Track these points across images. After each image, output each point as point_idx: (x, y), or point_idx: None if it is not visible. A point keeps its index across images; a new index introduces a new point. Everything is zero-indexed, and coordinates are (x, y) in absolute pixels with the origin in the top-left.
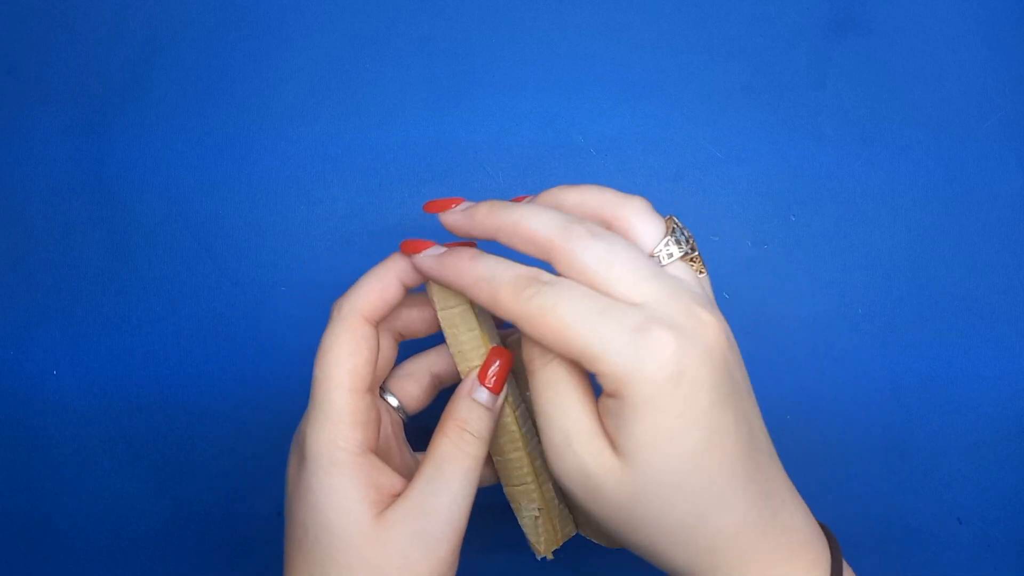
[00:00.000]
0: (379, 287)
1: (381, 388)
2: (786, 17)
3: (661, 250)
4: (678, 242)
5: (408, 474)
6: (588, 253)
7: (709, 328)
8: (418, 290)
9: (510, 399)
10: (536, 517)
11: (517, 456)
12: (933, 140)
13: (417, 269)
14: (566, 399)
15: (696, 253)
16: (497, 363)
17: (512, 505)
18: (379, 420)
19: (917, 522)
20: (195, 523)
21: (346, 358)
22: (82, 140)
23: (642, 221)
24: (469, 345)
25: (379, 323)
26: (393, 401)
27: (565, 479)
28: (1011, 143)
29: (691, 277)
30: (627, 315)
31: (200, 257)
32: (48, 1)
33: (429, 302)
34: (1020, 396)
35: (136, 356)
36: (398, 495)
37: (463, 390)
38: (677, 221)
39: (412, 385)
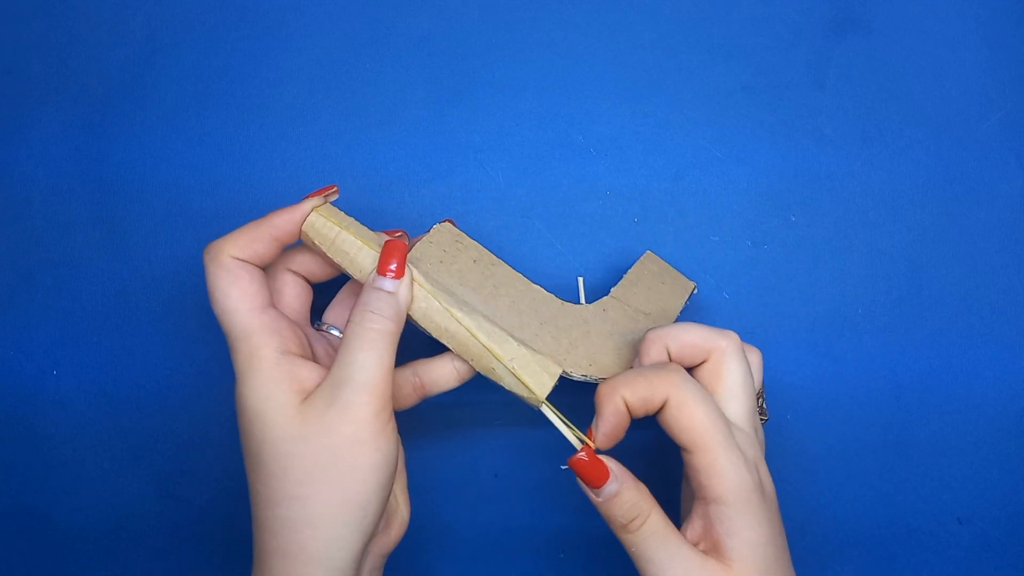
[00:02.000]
0: (247, 237)
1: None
2: (786, 17)
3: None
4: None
5: None
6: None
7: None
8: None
9: (426, 286)
10: (511, 371)
11: (456, 328)
12: (933, 140)
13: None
14: (673, 545)
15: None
16: (393, 254)
17: (493, 379)
18: (293, 331)
19: (917, 522)
20: (195, 523)
21: (232, 287)
22: (82, 140)
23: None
24: (366, 260)
25: (259, 264)
26: (335, 332)
27: None
28: (1011, 143)
29: None
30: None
31: (200, 257)
32: (48, 1)
33: (315, 252)
34: (1020, 396)
35: (136, 356)
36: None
37: (366, 284)
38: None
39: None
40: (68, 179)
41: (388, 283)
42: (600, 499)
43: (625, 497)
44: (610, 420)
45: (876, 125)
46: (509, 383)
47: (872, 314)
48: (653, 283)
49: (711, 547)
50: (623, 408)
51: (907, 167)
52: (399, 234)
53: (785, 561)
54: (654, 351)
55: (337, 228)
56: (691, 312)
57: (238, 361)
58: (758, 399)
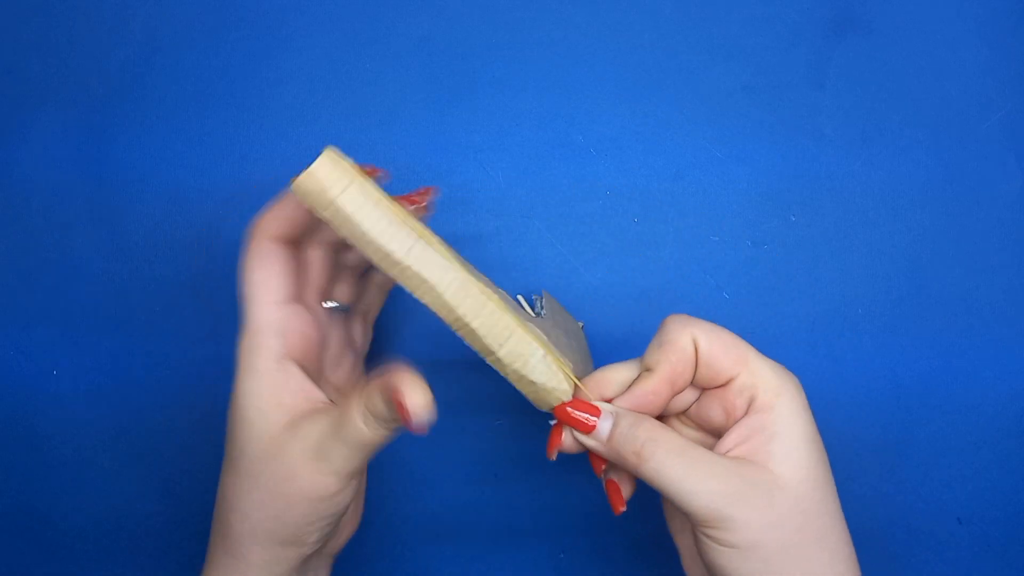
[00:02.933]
0: (286, 210)
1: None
2: (786, 17)
3: None
4: None
5: (341, 380)
6: None
7: None
8: None
9: (457, 260)
10: (544, 355)
11: (490, 310)
12: (933, 140)
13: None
14: (697, 454)
15: None
16: (405, 409)
17: (508, 372)
18: (306, 330)
19: (917, 522)
20: (195, 523)
21: (256, 273)
22: (82, 140)
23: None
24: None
25: (296, 241)
26: (331, 304)
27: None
28: (1011, 143)
29: None
30: None
31: (200, 257)
32: (48, 1)
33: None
34: (1020, 396)
35: (136, 356)
36: (314, 408)
37: (391, 382)
38: None
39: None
40: (68, 179)
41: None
42: (604, 442)
43: (624, 424)
44: (677, 365)
45: (876, 125)
46: (537, 368)
47: (872, 314)
48: (559, 315)
49: (747, 455)
50: (691, 350)
51: (907, 167)
52: (423, 193)
53: (829, 478)
54: (682, 338)
55: (347, 182)
56: (691, 312)
57: (239, 353)
58: None
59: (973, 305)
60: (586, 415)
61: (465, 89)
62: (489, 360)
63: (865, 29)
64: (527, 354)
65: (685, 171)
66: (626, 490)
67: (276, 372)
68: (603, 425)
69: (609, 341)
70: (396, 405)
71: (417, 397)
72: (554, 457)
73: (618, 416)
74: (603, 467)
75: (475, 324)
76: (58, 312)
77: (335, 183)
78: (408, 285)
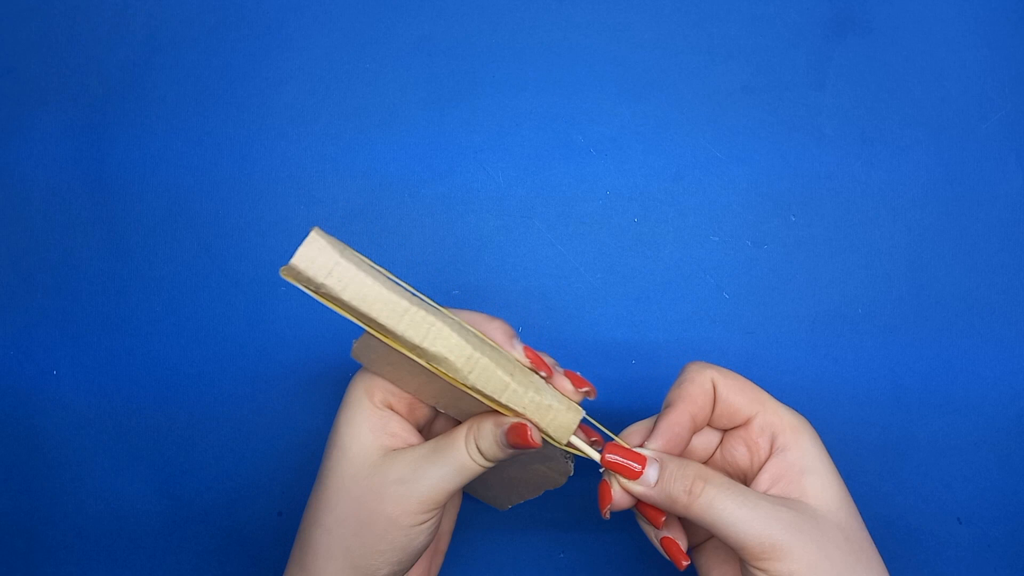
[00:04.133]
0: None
1: None
2: (786, 17)
3: None
4: None
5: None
6: None
7: None
8: None
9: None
10: (549, 406)
11: (487, 356)
12: (933, 140)
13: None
14: (745, 491)
15: None
16: (523, 437)
17: (525, 403)
18: (416, 403)
19: (917, 522)
20: (195, 523)
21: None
22: (82, 140)
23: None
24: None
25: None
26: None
27: None
28: (1011, 143)
29: None
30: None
31: (200, 257)
32: (48, 1)
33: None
34: (1020, 396)
35: (136, 356)
36: (410, 446)
37: (499, 418)
38: None
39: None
40: (68, 179)
41: (510, 448)
42: (652, 487)
43: (672, 466)
44: (667, 439)
45: (876, 125)
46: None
47: (872, 314)
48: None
49: (784, 492)
50: (687, 425)
51: (907, 167)
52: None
53: (856, 506)
54: (701, 376)
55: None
56: (692, 312)
57: (350, 387)
58: None
59: (973, 305)
60: (632, 462)
61: (465, 89)
62: (501, 399)
63: (865, 29)
64: (535, 382)
65: (685, 171)
66: (683, 543)
67: (379, 410)
68: (650, 471)
69: (609, 341)
70: (517, 427)
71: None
72: (608, 516)
73: (663, 459)
74: (662, 519)
75: (477, 375)
76: (58, 312)
77: (323, 265)
78: (414, 353)
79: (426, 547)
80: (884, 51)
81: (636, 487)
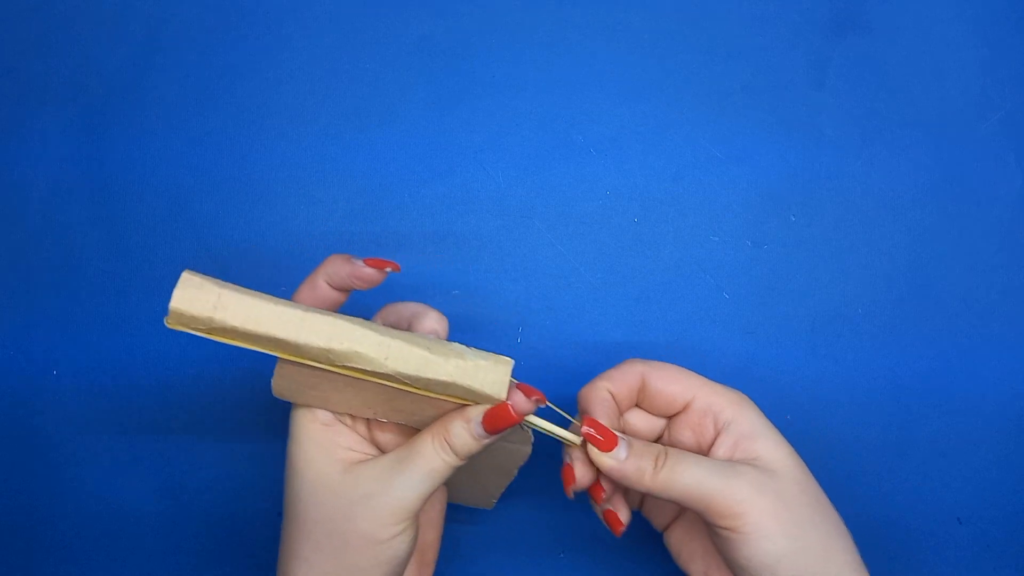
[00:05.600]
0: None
1: None
2: (786, 17)
3: None
4: None
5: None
6: None
7: None
8: None
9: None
10: (476, 365)
11: (406, 339)
12: (933, 140)
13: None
14: (702, 459)
15: None
16: (505, 419)
17: (465, 370)
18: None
19: (917, 522)
20: (195, 523)
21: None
22: (82, 140)
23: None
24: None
25: None
26: None
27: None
28: (1011, 143)
29: None
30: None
31: (200, 257)
32: (48, 1)
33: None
34: (1020, 396)
35: (136, 356)
36: (368, 458)
37: (465, 413)
38: None
39: None
40: (68, 179)
41: (481, 432)
42: (624, 461)
43: (639, 444)
44: (602, 412)
45: (876, 125)
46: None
47: (872, 314)
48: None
49: (741, 460)
50: (609, 397)
51: (907, 167)
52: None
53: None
54: (624, 367)
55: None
56: (692, 312)
57: (293, 416)
58: None
59: (973, 305)
60: (606, 437)
61: (465, 89)
62: (425, 375)
63: (865, 29)
64: (455, 348)
65: (685, 171)
66: (624, 516)
67: (326, 427)
68: (621, 447)
69: (609, 341)
70: (495, 411)
71: (516, 396)
72: (572, 495)
73: (631, 439)
74: (603, 495)
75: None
76: (58, 312)
77: (205, 301)
78: (326, 362)
79: (409, 554)
80: (884, 51)
81: (608, 461)
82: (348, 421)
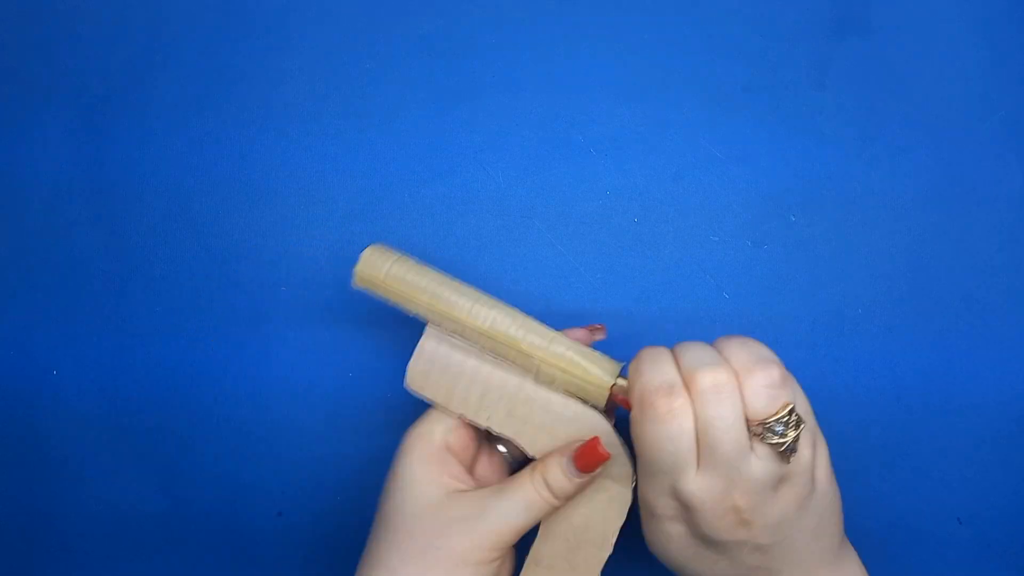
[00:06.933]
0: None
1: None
2: (786, 17)
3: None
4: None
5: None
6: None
7: None
8: None
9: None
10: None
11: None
12: (933, 140)
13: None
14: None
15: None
16: (595, 456)
17: (567, 360)
18: (468, 443)
19: (917, 522)
20: (195, 523)
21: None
22: (82, 140)
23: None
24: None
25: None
26: (501, 448)
27: None
28: (1011, 143)
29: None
30: None
31: (200, 257)
32: (48, 1)
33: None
34: (1020, 396)
35: (136, 356)
36: (469, 488)
37: (561, 450)
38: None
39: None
40: (68, 179)
41: (577, 477)
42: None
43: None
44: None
45: (876, 125)
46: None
47: (872, 314)
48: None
49: None
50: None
51: (907, 167)
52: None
53: None
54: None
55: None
56: (692, 312)
57: (407, 434)
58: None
59: (973, 305)
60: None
61: (465, 89)
62: (551, 348)
63: (865, 29)
64: (573, 346)
65: (685, 171)
66: None
67: (440, 451)
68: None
69: (608, 341)
70: (585, 447)
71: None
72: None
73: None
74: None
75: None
76: (58, 312)
77: (384, 261)
78: (468, 317)
79: None
80: (884, 51)
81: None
82: (458, 451)
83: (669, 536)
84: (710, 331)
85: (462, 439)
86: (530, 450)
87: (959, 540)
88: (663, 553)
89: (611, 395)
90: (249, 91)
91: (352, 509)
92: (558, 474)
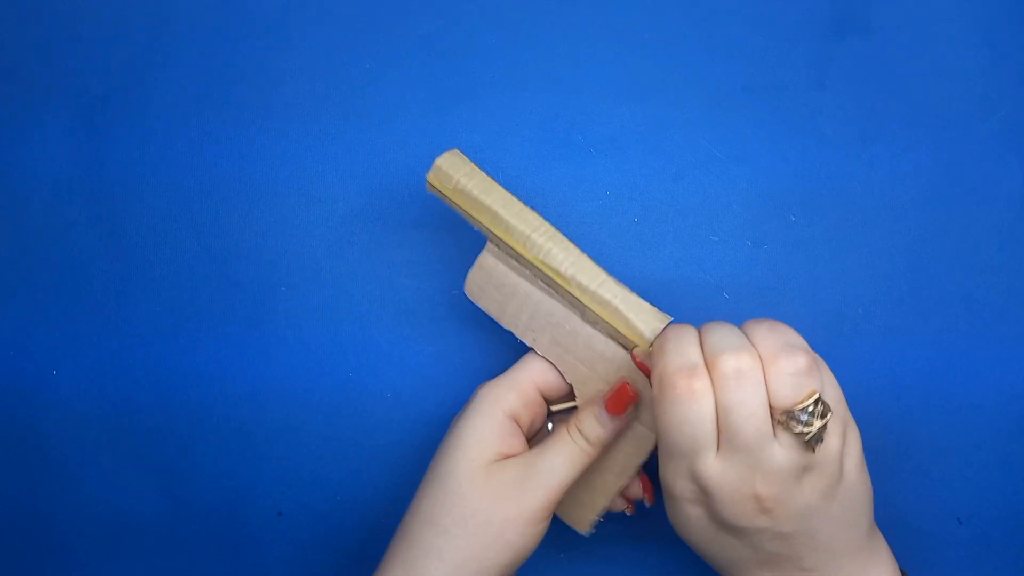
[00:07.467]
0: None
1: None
2: (786, 17)
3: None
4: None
5: None
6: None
7: None
8: None
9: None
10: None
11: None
12: (933, 140)
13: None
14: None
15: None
16: (625, 399)
17: (618, 297)
18: (537, 412)
19: (917, 522)
20: (195, 523)
21: (540, 371)
22: (82, 140)
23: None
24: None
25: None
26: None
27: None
28: (1011, 143)
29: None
30: None
31: (200, 257)
32: (49, 1)
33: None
34: (1020, 396)
35: (136, 356)
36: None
37: (594, 402)
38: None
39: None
40: (68, 179)
41: (610, 422)
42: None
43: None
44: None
45: (876, 125)
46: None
47: (872, 314)
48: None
49: None
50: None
51: (907, 167)
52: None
53: None
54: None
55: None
56: (692, 312)
57: (479, 394)
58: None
59: (973, 305)
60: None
61: (465, 89)
62: (604, 297)
63: (865, 29)
64: (621, 293)
65: (685, 171)
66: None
67: (505, 420)
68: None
69: None
70: (615, 392)
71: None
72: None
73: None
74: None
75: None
76: (58, 312)
77: (455, 172)
78: (525, 247)
79: (529, 554)
80: (884, 51)
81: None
82: (524, 423)
83: (688, 518)
84: None
85: (531, 413)
86: (568, 377)
87: (959, 540)
88: (684, 534)
89: (635, 361)
90: (249, 91)
91: (352, 509)
92: (592, 422)
